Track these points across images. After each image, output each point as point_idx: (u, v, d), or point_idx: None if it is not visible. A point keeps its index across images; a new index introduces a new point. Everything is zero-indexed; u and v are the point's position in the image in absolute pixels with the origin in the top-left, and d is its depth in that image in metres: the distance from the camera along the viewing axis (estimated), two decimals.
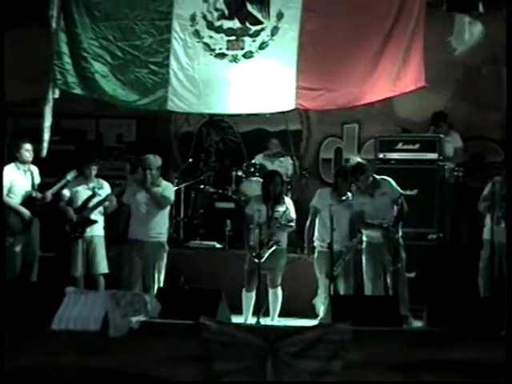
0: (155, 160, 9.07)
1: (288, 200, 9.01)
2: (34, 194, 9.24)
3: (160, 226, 8.99)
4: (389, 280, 8.53)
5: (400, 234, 8.67)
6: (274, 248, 8.58)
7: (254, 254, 8.56)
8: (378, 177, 8.84)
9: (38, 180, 9.38)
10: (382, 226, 8.51)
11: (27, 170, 9.30)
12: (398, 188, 8.76)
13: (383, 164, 9.54)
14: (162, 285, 8.82)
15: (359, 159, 9.03)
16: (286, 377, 6.83)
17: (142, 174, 9.03)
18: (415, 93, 9.77)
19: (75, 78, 10.20)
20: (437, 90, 10.38)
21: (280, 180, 8.95)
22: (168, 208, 9.18)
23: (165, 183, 9.15)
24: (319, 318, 8.56)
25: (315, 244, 8.91)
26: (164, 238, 9.05)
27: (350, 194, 8.94)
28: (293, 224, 8.88)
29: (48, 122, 10.04)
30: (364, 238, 8.83)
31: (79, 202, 9.29)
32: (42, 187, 9.36)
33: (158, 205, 8.95)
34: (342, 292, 8.61)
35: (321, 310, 8.64)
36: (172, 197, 9.16)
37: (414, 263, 8.83)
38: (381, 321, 7.25)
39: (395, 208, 8.59)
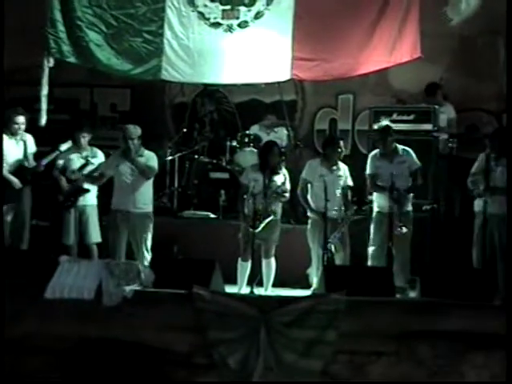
0: (135, 130, 8.97)
1: (284, 171, 9.01)
2: (25, 163, 9.19)
3: (145, 197, 8.96)
4: (393, 250, 8.54)
5: (410, 207, 8.71)
6: (269, 219, 8.57)
7: (249, 224, 8.56)
8: (400, 146, 8.86)
9: (32, 149, 9.33)
10: (392, 189, 8.52)
11: (19, 140, 9.24)
12: (418, 161, 8.78)
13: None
14: (149, 256, 8.78)
15: (388, 122, 9.02)
16: (280, 346, 6.86)
17: (124, 144, 8.94)
18: (410, 64, 9.75)
19: (69, 47, 10.15)
20: (432, 61, 10.35)
21: (278, 151, 8.95)
22: (152, 178, 9.09)
23: (147, 153, 9.06)
24: (312, 288, 8.59)
25: (308, 214, 8.93)
26: (150, 208, 9.01)
27: (340, 163, 8.94)
28: (287, 195, 8.88)
29: (45, 90, 10.00)
30: (374, 208, 8.86)
31: (72, 170, 9.26)
32: (37, 156, 9.31)
33: (143, 175, 8.89)
34: (338, 263, 8.61)
35: (314, 280, 8.67)
36: (156, 166, 9.07)
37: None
38: (374, 291, 7.26)
39: (410, 179, 8.63)
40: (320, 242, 8.67)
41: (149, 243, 8.89)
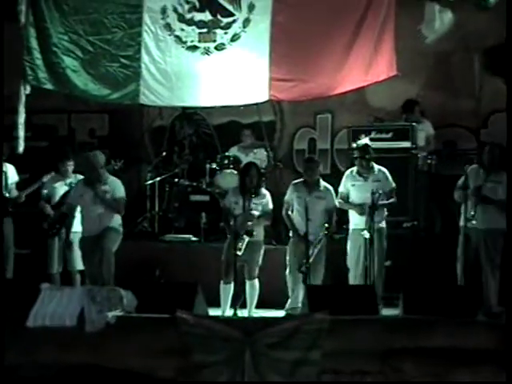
0: (100, 157, 8.82)
1: (265, 192, 9.01)
2: (6, 194, 9.16)
3: (110, 218, 8.78)
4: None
5: (384, 224, 8.75)
6: (247, 239, 8.53)
7: (231, 246, 8.55)
8: (376, 166, 8.91)
9: (14, 179, 9.32)
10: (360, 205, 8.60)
11: None
12: (392, 182, 8.83)
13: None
14: (112, 269, 8.64)
15: (367, 141, 9.05)
16: (265, 368, 6.82)
17: (88, 173, 8.80)
18: (387, 82, 9.81)
19: (46, 74, 10.14)
20: (409, 79, 10.43)
21: (256, 172, 8.94)
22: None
23: (112, 180, 8.85)
24: (286, 307, 8.65)
25: (290, 234, 8.95)
26: (114, 223, 8.79)
27: (324, 184, 8.96)
28: (270, 216, 8.88)
29: (22, 118, 9.98)
30: (350, 226, 8.88)
31: (57, 198, 9.24)
32: (20, 185, 9.30)
33: (111, 210, 8.71)
34: (312, 281, 8.59)
35: (289, 300, 8.70)
36: (123, 194, 8.81)
37: (389, 251, 8.87)
38: (358, 309, 7.26)
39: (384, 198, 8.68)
40: (297, 263, 8.67)
41: (112, 254, 8.68)
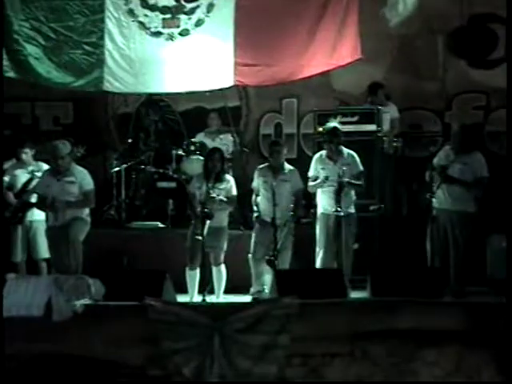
0: (64, 146, 8.63)
1: (229, 177, 8.98)
2: None
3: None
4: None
5: (353, 209, 8.74)
6: (207, 223, 8.49)
7: (194, 232, 8.54)
8: (345, 149, 8.87)
9: None
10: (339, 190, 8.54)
11: None
12: (361, 165, 8.82)
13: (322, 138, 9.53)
14: (80, 259, 8.48)
15: (336, 124, 9.04)
16: (234, 353, 6.86)
17: (53, 163, 8.64)
18: (352, 65, 9.83)
19: (8, 61, 9.99)
20: (373, 62, 10.45)
21: (219, 157, 8.89)
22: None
23: (78, 170, 8.68)
24: (251, 292, 8.65)
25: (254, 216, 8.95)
26: (81, 212, 8.62)
27: (289, 167, 8.96)
28: (233, 201, 8.85)
29: None
30: (319, 210, 8.88)
31: (19, 186, 9.15)
32: None
33: (84, 207, 8.63)
34: (280, 265, 8.60)
35: (252, 286, 8.72)
36: (91, 186, 8.66)
37: (357, 235, 8.88)
38: (326, 293, 7.30)
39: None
40: (262, 248, 8.67)
41: (79, 242, 8.55)
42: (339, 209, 8.49)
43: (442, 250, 8.47)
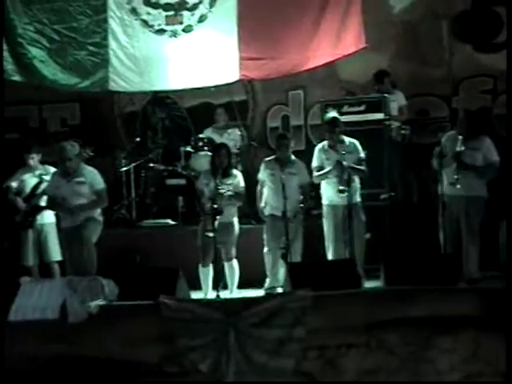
0: (72, 148, 8.59)
1: (237, 172, 8.98)
2: None
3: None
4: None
5: (358, 198, 8.73)
6: (217, 219, 8.50)
7: (205, 229, 8.54)
8: (347, 138, 8.86)
9: None
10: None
11: None
12: (362, 152, 8.79)
13: None
14: (95, 260, 8.47)
15: (335, 114, 9.02)
16: (250, 347, 6.85)
17: (62, 164, 8.57)
18: (357, 54, 9.82)
19: (13, 65, 10.04)
20: (378, 50, 10.43)
21: (226, 152, 8.89)
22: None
23: (89, 170, 8.65)
24: (265, 287, 8.65)
25: (265, 210, 8.93)
26: (93, 213, 8.59)
27: (296, 160, 8.94)
28: (242, 196, 8.84)
29: None
30: (324, 201, 8.86)
31: (27, 191, 9.17)
32: None
33: (98, 207, 8.59)
34: (291, 258, 8.59)
35: (267, 280, 8.70)
36: (102, 185, 8.63)
37: (368, 224, 8.87)
38: (340, 284, 7.28)
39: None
40: (274, 241, 8.68)
41: (91, 243, 8.51)
42: (342, 187, 8.45)
43: (454, 237, 8.44)
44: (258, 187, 9.01)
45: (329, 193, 8.82)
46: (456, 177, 8.36)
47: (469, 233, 8.47)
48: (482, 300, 6.71)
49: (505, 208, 8.88)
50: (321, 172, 8.80)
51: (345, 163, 8.56)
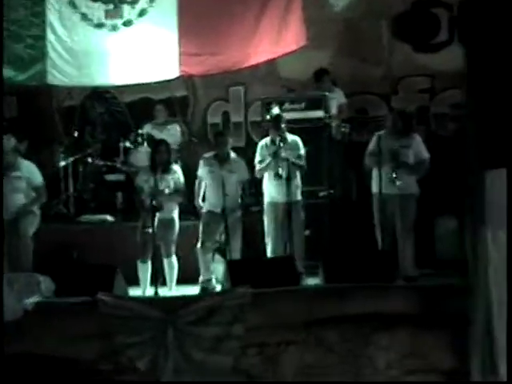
0: (7, 142, 8.50)
1: (177, 168, 8.96)
2: None
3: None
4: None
5: (299, 196, 8.77)
6: (157, 215, 8.46)
7: (144, 225, 8.50)
8: (290, 135, 8.88)
9: None
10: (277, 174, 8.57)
11: None
12: (303, 150, 8.83)
13: None
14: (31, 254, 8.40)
15: (278, 111, 9.03)
16: (188, 345, 6.84)
17: None
18: (298, 52, 9.82)
19: None
20: (319, 48, 10.45)
21: (166, 149, 8.87)
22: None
23: (25, 164, 8.54)
24: (200, 282, 8.63)
25: (203, 206, 8.92)
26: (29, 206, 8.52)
27: (235, 156, 8.94)
28: (182, 192, 8.82)
29: None
30: (265, 199, 8.88)
31: None
32: None
33: (37, 204, 8.51)
34: (231, 255, 8.60)
35: (201, 277, 8.69)
36: (39, 179, 8.56)
37: (307, 221, 8.92)
38: (279, 281, 7.30)
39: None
40: (210, 238, 8.69)
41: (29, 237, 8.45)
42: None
43: (390, 235, 8.55)
44: (196, 183, 8.98)
45: (270, 190, 8.84)
46: (394, 175, 8.47)
47: (403, 230, 8.60)
48: (419, 297, 6.79)
49: (439, 205, 9.04)
50: (261, 165, 8.81)
51: (283, 154, 8.58)
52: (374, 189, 8.72)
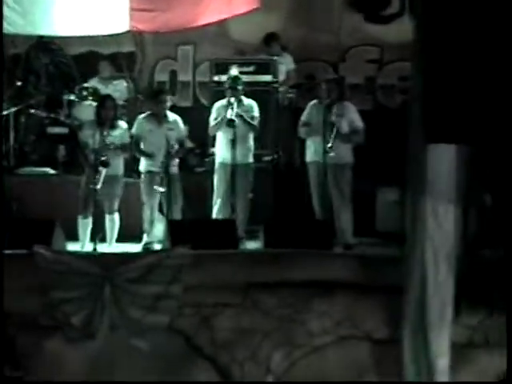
0: None
1: (123, 124, 8.89)
2: None
3: None
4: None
5: (251, 159, 8.84)
6: (103, 171, 8.38)
7: (89, 180, 8.41)
8: (246, 98, 8.91)
9: None
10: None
11: None
12: (257, 112, 8.86)
13: (218, 86, 9.48)
14: None
15: (237, 72, 8.96)
16: (125, 302, 6.80)
17: None
18: (250, 15, 9.79)
19: None
20: (271, 12, 10.45)
21: (112, 104, 8.82)
22: None
23: None
24: (143, 242, 8.65)
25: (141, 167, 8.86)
26: None
27: (171, 115, 8.86)
28: (128, 148, 8.78)
29: None
30: (217, 159, 8.91)
31: None
32: None
33: None
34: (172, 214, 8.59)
35: (145, 235, 8.70)
36: None
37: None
38: (218, 244, 7.31)
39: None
40: (151, 197, 8.69)
41: None
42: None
43: (326, 203, 8.61)
44: (133, 143, 8.90)
45: (222, 151, 8.83)
46: (330, 145, 8.49)
47: (339, 199, 8.69)
48: (358, 265, 6.86)
49: (382, 176, 9.12)
50: (216, 121, 8.79)
51: (237, 110, 8.57)
52: (308, 158, 8.79)
